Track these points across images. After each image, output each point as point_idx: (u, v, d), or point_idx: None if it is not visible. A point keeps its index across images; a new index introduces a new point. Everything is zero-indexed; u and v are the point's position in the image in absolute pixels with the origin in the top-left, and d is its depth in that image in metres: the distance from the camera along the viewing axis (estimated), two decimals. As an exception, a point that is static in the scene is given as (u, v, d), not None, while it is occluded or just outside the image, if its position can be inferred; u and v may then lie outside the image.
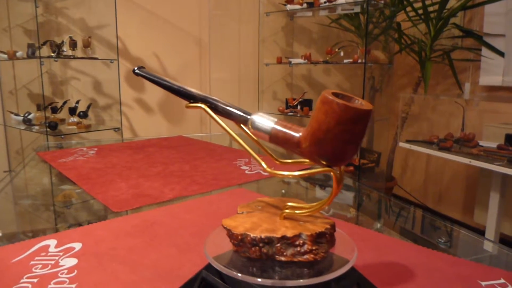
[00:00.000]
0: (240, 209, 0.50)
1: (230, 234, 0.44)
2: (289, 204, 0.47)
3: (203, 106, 0.52)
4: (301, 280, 0.40)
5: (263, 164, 0.45)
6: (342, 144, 0.38)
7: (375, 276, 0.53)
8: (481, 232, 2.16)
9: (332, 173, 0.41)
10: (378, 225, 0.81)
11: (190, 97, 0.53)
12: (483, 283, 0.51)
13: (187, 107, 0.53)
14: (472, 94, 2.60)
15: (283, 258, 0.41)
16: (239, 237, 0.42)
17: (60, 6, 2.53)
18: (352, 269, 0.46)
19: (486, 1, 2.33)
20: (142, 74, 0.56)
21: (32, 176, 1.16)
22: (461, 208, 2.72)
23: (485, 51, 2.38)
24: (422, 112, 2.91)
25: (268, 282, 0.40)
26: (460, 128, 2.57)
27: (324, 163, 0.41)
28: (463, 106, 2.57)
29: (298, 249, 0.41)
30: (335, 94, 0.40)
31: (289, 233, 0.41)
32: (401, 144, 2.32)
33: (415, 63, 2.75)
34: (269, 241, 0.41)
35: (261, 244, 0.41)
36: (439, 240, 0.64)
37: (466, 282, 0.51)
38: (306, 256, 0.41)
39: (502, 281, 0.51)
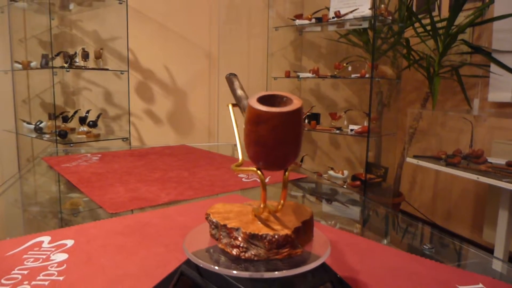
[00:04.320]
0: (248, 201, 0.52)
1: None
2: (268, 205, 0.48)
3: (230, 105, 0.55)
4: (276, 272, 0.41)
5: (240, 159, 0.47)
6: (251, 145, 0.40)
7: (353, 276, 0.54)
8: (490, 250, 2.12)
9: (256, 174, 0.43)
10: (386, 239, 0.81)
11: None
12: (461, 287, 0.51)
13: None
14: (481, 110, 2.59)
15: (219, 245, 0.45)
16: (205, 216, 0.48)
17: (74, 19, 2.62)
18: (327, 268, 0.47)
19: (494, 17, 2.33)
20: (228, 79, 0.58)
21: (35, 180, 1.19)
22: (470, 225, 2.67)
23: (493, 67, 2.38)
24: (430, 128, 2.89)
25: (245, 274, 0.41)
26: (468, 144, 2.55)
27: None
28: (471, 122, 2.55)
29: (231, 241, 0.43)
30: (275, 96, 0.41)
31: (230, 225, 0.44)
32: (409, 159, 2.31)
33: (423, 79, 2.75)
34: (216, 226, 0.45)
35: (212, 227, 0.46)
36: (424, 246, 0.64)
37: (444, 285, 0.51)
38: (232, 249, 0.43)
39: (480, 285, 0.51)
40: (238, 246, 0.43)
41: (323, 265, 0.47)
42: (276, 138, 0.38)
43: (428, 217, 2.94)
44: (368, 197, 2.62)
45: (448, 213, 2.84)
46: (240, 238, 0.43)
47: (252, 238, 0.42)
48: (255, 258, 0.42)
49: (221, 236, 0.45)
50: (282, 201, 0.45)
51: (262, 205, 0.44)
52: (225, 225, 0.44)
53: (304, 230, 0.45)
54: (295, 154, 0.42)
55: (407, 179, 3.11)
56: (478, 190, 2.60)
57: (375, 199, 2.76)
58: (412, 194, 3.11)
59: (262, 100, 0.41)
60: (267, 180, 1.11)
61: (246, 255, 0.42)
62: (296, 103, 0.39)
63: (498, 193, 1.99)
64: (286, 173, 0.43)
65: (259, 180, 0.43)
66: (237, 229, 0.43)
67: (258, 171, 0.43)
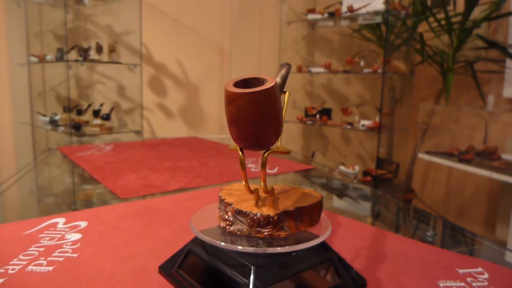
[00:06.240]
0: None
1: None
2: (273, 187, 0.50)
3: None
4: (278, 248, 0.42)
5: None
6: (228, 125, 0.42)
7: (354, 258, 0.55)
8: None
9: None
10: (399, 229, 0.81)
11: None
12: (461, 271, 0.52)
13: None
14: (496, 106, 2.55)
15: (217, 217, 0.49)
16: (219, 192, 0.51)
17: (89, 13, 2.66)
18: (328, 248, 0.48)
19: (511, 12, 2.30)
20: (279, 67, 0.59)
21: (50, 167, 1.22)
22: (483, 222, 2.64)
23: (509, 62, 2.34)
24: (443, 124, 2.86)
25: (249, 249, 0.43)
26: (482, 140, 2.51)
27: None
28: (485, 118, 2.51)
29: (223, 214, 0.48)
30: (258, 79, 0.42)
31: (227, 200, 0.47)
32: (421, 155, 2.30)
33: (437, 74, 2.72)
34: (221, 201, 0.49)
35: (219, 201, 0.50)
36: (427, 233, 0.64)
37: (443, 269, 0.52)
38: (221, 222, 0.47)
39: (479, 269, 0.52)
40: (226, 220, 0.46)
41: (325, 245, 0.48)
42: (243, 117, 0.39)
43: (440, 214, 2.92)
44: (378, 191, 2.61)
45: (461, 210, 2.81)
46: (229, 213, 0.46)
47: (238, 214, 0.45)
48: (238, 233, 0.45)
49: (220, 210, 0.49)
50: (262, 182, 0.46)
51: (244, 184, 0.46)
52: (223, 200, 0.48)
53: (299, 215, 0.46)
54: (272, 134, 0.42)
55: (419, 175, 3.09)
56: (491, 187, 2.57)
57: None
58: (424, 191, 3.08)
59: (245, 82, 0.42)
60: (275, 170, 1.13)
61: (231, 228, 0.46)
62: (266, 85, 0.39)
63: (511, 190, 1.96)
64: (265, 154, 0.44)
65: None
66: (230, 204, 0.46)
67: (239, 151, 0.45)
